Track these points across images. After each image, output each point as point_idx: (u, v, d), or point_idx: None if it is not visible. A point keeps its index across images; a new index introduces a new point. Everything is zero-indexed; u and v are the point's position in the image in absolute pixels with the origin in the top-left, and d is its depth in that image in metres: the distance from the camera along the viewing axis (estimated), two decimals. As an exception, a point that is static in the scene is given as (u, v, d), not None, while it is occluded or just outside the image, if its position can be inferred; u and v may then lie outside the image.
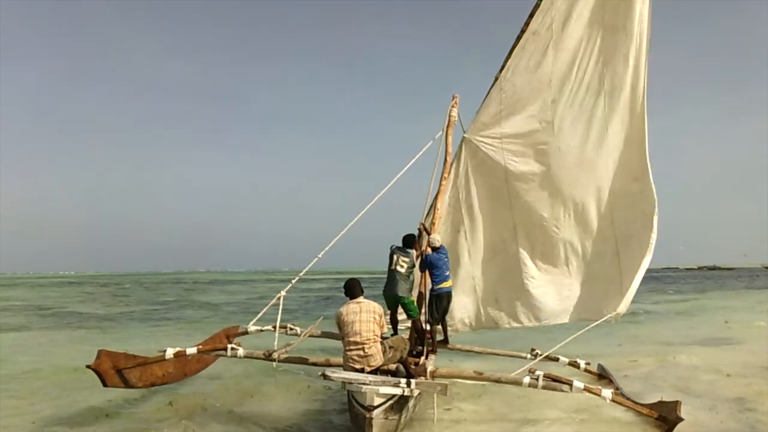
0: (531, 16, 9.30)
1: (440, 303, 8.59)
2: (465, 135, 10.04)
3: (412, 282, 8.31)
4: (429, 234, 9.00)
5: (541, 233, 9.81)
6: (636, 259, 9.06)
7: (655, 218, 8.93)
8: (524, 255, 9.97)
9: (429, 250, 8.79)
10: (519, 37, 9.42)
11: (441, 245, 8.72)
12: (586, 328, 8.56)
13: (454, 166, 10.04)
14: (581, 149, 9.45)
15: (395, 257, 8.14)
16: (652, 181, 8.99)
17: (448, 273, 8.64)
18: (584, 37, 9.23)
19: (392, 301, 8.27)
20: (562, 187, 9.60)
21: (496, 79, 9.66)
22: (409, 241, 8.48)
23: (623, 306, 8.89)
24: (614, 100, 9.18)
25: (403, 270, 8.07)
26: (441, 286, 8.49)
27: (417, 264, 8.57)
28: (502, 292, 10.20)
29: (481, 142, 9.88)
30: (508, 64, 9.56)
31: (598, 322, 8.89)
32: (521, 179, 9.71)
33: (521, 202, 9.80)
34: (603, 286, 9.55)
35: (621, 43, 9.04)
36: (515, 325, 10.27)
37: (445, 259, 8.65)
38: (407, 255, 8.19)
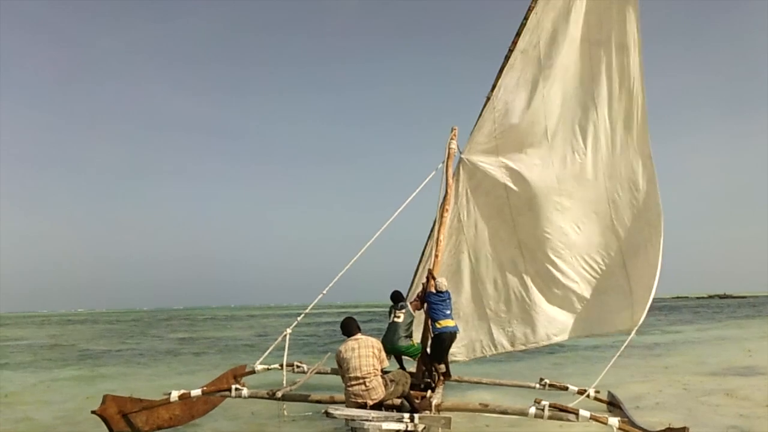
0: (518, 35, 9.50)
1: (441, 344, 8.53)
2: (462, 156, 10.09)
3: (410, 326, 8.42)
4: (434, 278, 8.94)
5: (546, 250, 9.78)
6: (646, 269, 9.04)
7: (662, 226, 8.92)
8: (532, 272, 9.96)
9: (433, 289, 8.79)
10: (507, 57, 9.61)
11: (446, 290, 8.66)
12: (621, 348, 8.66)
13: (453, 188, 10.06)
14: (579, 163, 9.52)
15: (393, 312, 8.49)
16: (657, 189, 8.97)
17: (448, 312, 8.53)
18: (573, 53, 9.39)
19: (392, 352, 8.35)
20: (564, 202, 9.63)
21: (488, 98, 9.80)
22: (397, 297, 8.69)
23: (640, 316, 8.90)
24: (610, 113, 9.24)
25: (400, 320, 8.34)
26: (443, 324, 8.40)
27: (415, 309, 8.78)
28: (513, 312, 10.15)
29: (479, 161, 9.94)
30: (499, 83, 9.72)
31: (630, 338, 8.96)
32: (521, 196, 9.74)
33: (524, 219, 9.81)
34: (613, 299, 9.54)
35: (611, 56, 9.17)
36: (530, 345, 10.22)
37: (448, 301, 8.59)
38: (403, 307, 8.48)
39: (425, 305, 8.75)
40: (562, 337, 10.04)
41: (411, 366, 8.87)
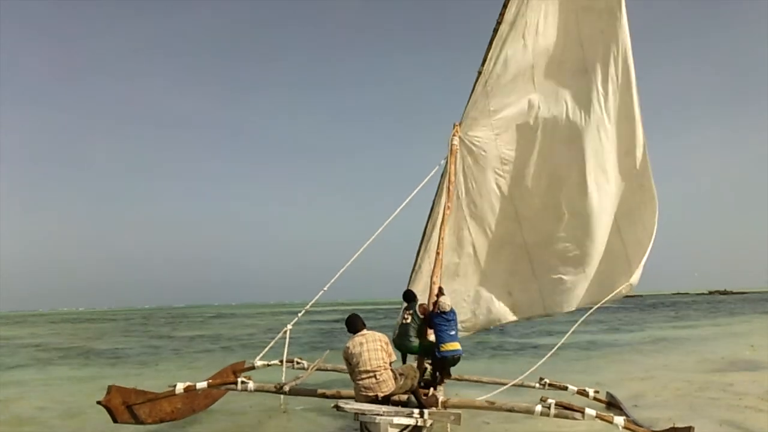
0: (504, 6, 9.52)
1: (444, 364, 8.34)
2: (458, 133, 10.12)
3: (418, 327, 8.42)
4: (443, 294, 8.74)
5: (543, 220, 9.78)
6: (641, 232, 9.07)
7: (654, 190, 8.97)
8: (530, 244, 9.95)
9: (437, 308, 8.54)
10: (496, 30, 9.62)
11: (450, 310, 8.36)
12: (597, 306, 8.87)
13: (450, 164, 10.05)
14: (571, 131, 9.47)
15: (402, 313, 8.54)
16: (646, 154, 8.97)
17: (453, 332, 8.22)
18: (560, 20, 9.41)
19: (403, 350, 8.44)
20: (558, 171, 9.63)
21: (480, 73, 9.82)
22: (407, 296, 8.70)
23: (635, 277, 8.96)
24: (598, 78, 9.22)
25: (409, 320, 8.38)
26: (447, 348, 8.13)
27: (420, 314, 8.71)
28: (513, 284, 10.15)
29: (474, 136, 9.97)
30: (489, 56, 9.73)
31: (605, 300, 9.28)
32: (517, 168, 9.77)
33: (521, 191, 9.82)
34: (610, 265, 9.55)
35: (598, 22, 9.15)
36: (531, 314, 10.28)
37: (453, 322, 8.28)
38: (411, 308, 8.49)
39: (430, 325, 8.51)
40: (563, 309, 10.07)
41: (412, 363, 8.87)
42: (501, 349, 20.60)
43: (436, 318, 8.31)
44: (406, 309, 8.52)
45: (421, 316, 8.42)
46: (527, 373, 8.48)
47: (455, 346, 8.18)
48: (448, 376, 8.98)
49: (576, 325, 9.23)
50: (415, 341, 8.30)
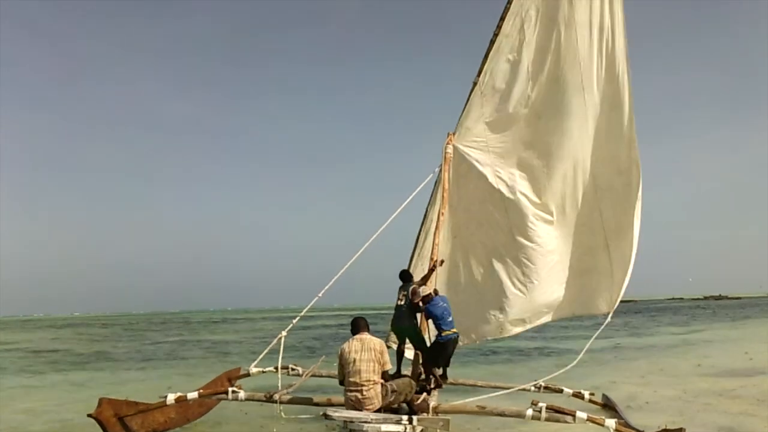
0: (502, 19, 9.63)
1: (444, 351, 8.41)
2: (452, 142, 10.17)
3: (412, 309, 8.47)
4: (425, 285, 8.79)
5: (536, 232, 9.83)
6: (626, 251, 9.19)
7: (638, 209, 9.04)
8: (523, 256, 9.96)
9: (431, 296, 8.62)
10: (492, 41, 9.72)
11: (430, 293, 8.46)
12: (600, 328, 8.96)
13: (444, 172, 10.11)
14: (565, 145, 9.59)
15: (398, 294, 8.61)
16: (640, 173, 9.04)
17: (450, 319, 8.31)
18: (556, 35, 9.47)
19: (398, 332, 8.63)
20: (551, 184, 9.74)
21: (475, 83, 9.91)
22: (404, 276, 8.81)
23: (617, 299, 9.08)
24: (593, 95, 9.34)
25: (403, 302, 8.45)
26: (446, 333, 8.23)
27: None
28: (507, 297, 10.16)
29: (468, 147, 10.05)
30: (485, 68, 9.84)
31: (605, 323, 9.24)
32: (510, 179, 9.85)
33: (513, 203, 9.88)
34: (596, 280, 9.69)
35: (597, 39, 9.25)
36: (524, 328, 10.32)
37: (444, 305, 8.38)
38: (405, 288, 8.56)
39: (427, 316, 8.59)
40: (551, 319, 10.26)
41: (406, 369, 8.87)
42: (499, 352, 20.58)
43: (431, 307, 8.38)
44: (401, 289, 8.58)
45: (411, 297, 8.45)
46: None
47: (453, 331, 8.35)
48: (444, 379, 9.01)
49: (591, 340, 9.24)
50: (409, 323, 8.37)
